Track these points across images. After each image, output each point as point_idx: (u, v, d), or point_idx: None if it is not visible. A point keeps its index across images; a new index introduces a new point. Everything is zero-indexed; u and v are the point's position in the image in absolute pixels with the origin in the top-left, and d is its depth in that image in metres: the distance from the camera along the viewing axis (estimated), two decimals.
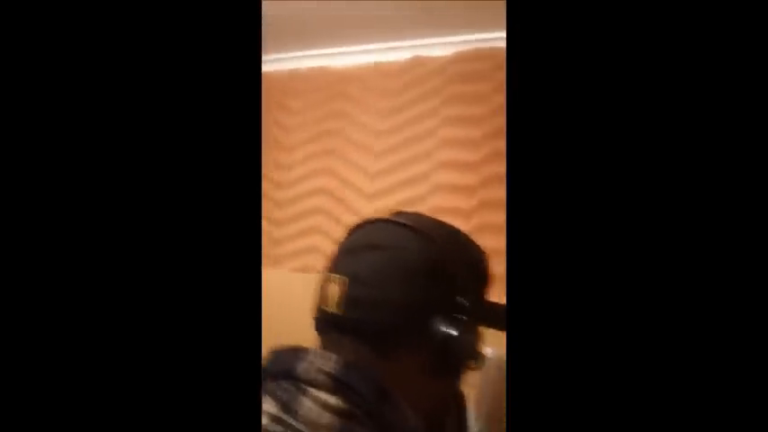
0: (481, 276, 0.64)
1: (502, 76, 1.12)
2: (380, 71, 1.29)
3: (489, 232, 1.06)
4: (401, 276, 0.57)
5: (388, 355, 0.57)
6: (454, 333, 0.55)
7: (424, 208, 1.14)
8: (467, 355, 0.59)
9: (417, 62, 1.25)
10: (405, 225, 0.61)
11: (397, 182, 1.20)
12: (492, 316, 0.65)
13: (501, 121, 1.10)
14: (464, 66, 1.17)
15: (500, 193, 1.08)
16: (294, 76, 1.45)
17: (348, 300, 0.57)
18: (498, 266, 1.01)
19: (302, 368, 0.54)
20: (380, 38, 1.30)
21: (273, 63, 1.52)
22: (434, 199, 1.14)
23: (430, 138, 1.18)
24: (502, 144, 1.10)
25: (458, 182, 1.13)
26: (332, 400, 0.53)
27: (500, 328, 0.70)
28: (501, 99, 1.11)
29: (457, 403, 0.70)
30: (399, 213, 0.67)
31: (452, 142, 1.15)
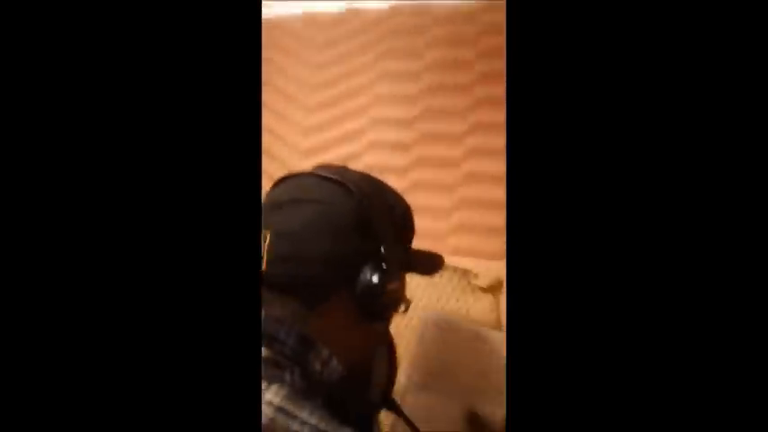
0: (405, 227, 0.67)
1: (439, 31, 1.11)
2: (313, 22, 1.25)
3: (424, 189, 1.07)
4: (328, 230, 0.58)
5: (314, 308, 0.58)
6: (378, 281, 0.58)
7: (359, 165, 1.12)
8: (393, 301, 0.61)
9: (352, 14, 1.21)
10: (330, 179, 0.61)
11: (331, 138, 1.17)
12: (415, 263, 0.69)
13: (436, 77, 1.10)
14: (401, 20, 1.15)
15: (435, 150, 1.08)
16: None
17: (272, 255, 0.57)
18: (430, 222, 1.03)
19: None
20: None
21: None
22: (370, 156, 1.13)
23: (365, 93, 1.16)
24: (437, 101, 1.09)
25: (393, 138, 1.12)
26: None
27: (423, 274, 0.73)
28: (437, 54, 1.10)
29: (387, 346, 0.72)
30: (323, 167, 0.67)
31: (388, 98, 1.14)
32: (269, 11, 1.30)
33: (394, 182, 1.07)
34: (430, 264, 0.75)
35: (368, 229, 0.59)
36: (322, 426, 0.51)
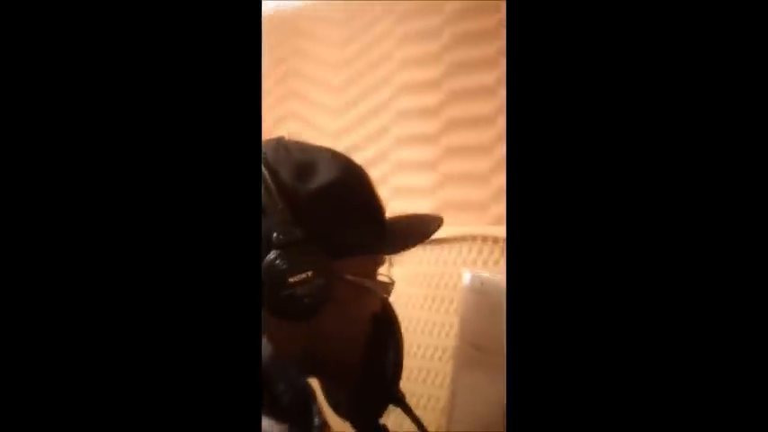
0: (336, 203, 0.56)
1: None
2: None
3: (459, 153, 0.97)
4: None
5: None
6: (271, 273, 0.51)
7: (388, 138, 1.05)
8: (306, 296, 0.53)
9: None
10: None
11: (358, 116, 1.11)
12: (365, 243, 0.58)
13: (457, 31, 0.99)
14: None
15: (465, 108, 0.97)
16: None
17: None
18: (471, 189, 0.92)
19: None
20: None
21: None
22: (397, 128, 1.05)
23: (388, 61, 1.08)
24: (459, 57, 0.98)
25: (420, 104, 1.02)
26: None
27: (390, 253, 0.64)
28: (454, 6, 0.99)
29: (388, 332, 0.63)
30: (279, 140, 0.60)
31: (411, 62, 1.04)
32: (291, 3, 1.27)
33: (424, 147, 0.99)
34: (403, 237, 0.62)
35: (267, 210, 0.52)
36: None
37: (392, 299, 0.69)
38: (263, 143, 0.58)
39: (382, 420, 0.64)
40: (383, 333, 0.63)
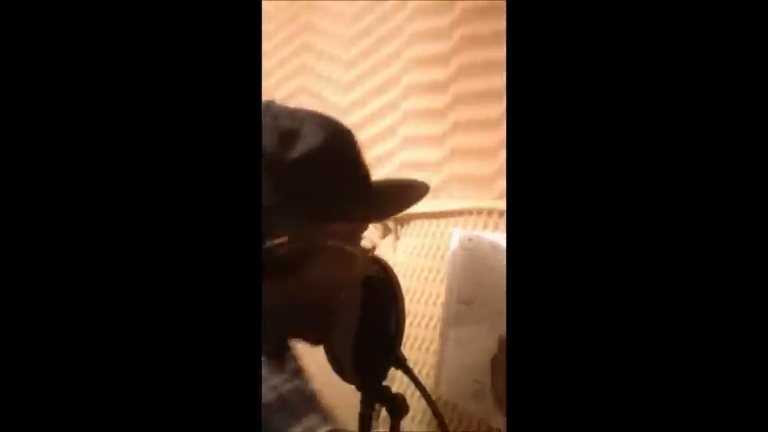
0: (315, 164, 0.57)
1: None
2: None
3: (465, 128, 0.97)
4: None
5: None
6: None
7: (397, 113, 1.06)
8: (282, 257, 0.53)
9: None
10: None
11: (369, 90, 1.12)
12: (351, 208, 0.60)
13: (467, 6, 0.99)
14: None
15: (474, 83, 0.98)
16: None
17: None
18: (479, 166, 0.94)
19: None
20: None
21: None
22: (408, 102, 1.06)
23: (399, 34, 1.08)
24: (472, 30, 0.99)
25: (430, 79, 1.03)
26: None
27: (369, 221, 0.66)
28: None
29: (390, 295, 0.65)
30: (268, 105, 0.61)
31: (421, 36, 1.05)
32: None
33: (434, 123, 1.00)
34: (386, 203, 0.65)
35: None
36: None
37: (395, 269, 0.71)
38: None
39: (385, 384, 0.67)
40: (383, 296, 0.65)
